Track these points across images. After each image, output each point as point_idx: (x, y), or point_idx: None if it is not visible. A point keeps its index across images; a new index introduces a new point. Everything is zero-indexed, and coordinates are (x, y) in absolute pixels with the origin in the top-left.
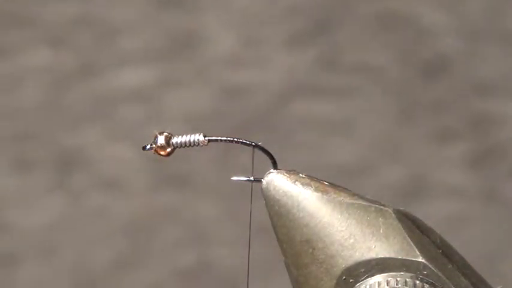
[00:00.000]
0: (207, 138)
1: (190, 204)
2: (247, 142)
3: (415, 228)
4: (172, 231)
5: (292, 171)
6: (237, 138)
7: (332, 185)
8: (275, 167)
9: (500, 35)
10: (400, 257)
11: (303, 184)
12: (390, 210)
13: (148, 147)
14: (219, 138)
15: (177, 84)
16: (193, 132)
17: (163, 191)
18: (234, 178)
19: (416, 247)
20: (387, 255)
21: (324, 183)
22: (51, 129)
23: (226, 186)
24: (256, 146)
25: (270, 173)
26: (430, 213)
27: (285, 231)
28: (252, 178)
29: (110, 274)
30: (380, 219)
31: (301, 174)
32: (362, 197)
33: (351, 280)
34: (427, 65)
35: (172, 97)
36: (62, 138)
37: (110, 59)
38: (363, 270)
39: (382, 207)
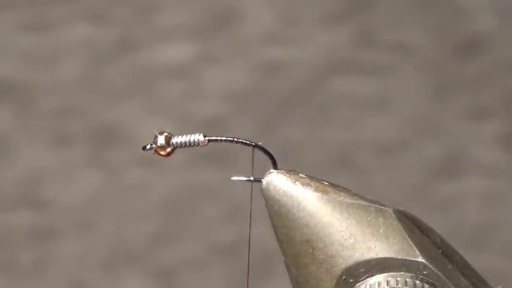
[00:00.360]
0: (207, 138)
1: (228, 181)
2: (247, 142)
3: (415, 228)
4: (210, 207)
5: (292, 171)
6: (237, 138)
7: (332, 185)
8: (275, 167)
9: None
10: (400, 257)
11: (303, 184)
12: (390, 210)
13: (148, 147)
14: (219, 138)
15: (216, 61)
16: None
17: (202, 167)
18: (234, 178)
19: (416, 247)
20: (387, 255)
21: (324, 183)
22: (91, 104)
23: (264, 163)
24: (256, 146)
25: (270, 173)
26: (464, 190)
27: (285, 231)
28: (252, 178)
29: (148, 249)
30: (380, 219)
31: (301, 174)
32: (362, 197)
33: (351, 280)
34: (462, 43)
35: (211, 73)
36: (101, 113)
37: (150, 34)
38: (363, 270)
39: (382, 207)
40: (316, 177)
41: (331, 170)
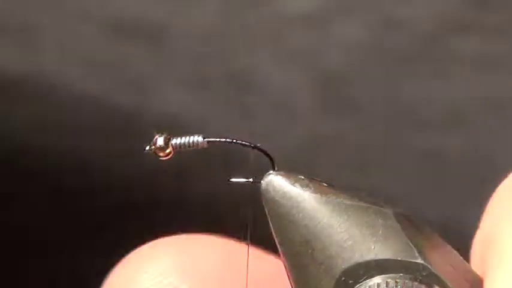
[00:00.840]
0: (206, 139)
1: (355, 130)
2: (247, 144)
3: (415, 230)
4: (335, 156)
5: (291, 172)
6: (236, 140)
7: (331, 186)
8: (274, 168)
9: None
10: (399, 258)
11: (302, 185)
12: (389, 212)
13: (147, 148)
14: (218, 139)
15: (342, 13)
16: None
17: (330, 115)
18: (233, 179)
19: (416, 248)
20: (386, 257)
21: (323, 185)
22: (225, 50)
23: (393, 113)
24: (255, 147)
25: (269, 174)
26: None
27: (284, 232)
28: (251, 179)
29: None
30: (379, 220)
31: (300, 176)
32: (361, 198)
33: (350, 281)
34: None
35: (338, 26)
36: (235, 60)
37: None
38: (362, 271)
39: (381, 208)
40: (315, 179)
41: (444, 127)
